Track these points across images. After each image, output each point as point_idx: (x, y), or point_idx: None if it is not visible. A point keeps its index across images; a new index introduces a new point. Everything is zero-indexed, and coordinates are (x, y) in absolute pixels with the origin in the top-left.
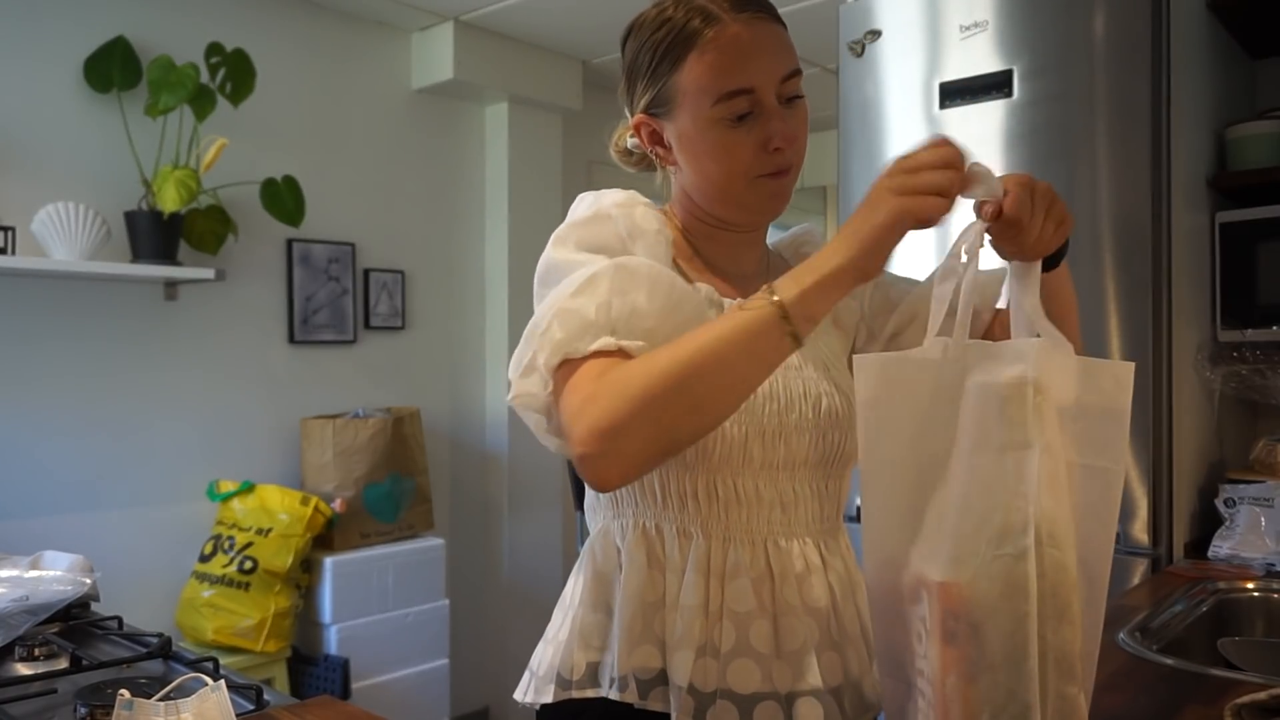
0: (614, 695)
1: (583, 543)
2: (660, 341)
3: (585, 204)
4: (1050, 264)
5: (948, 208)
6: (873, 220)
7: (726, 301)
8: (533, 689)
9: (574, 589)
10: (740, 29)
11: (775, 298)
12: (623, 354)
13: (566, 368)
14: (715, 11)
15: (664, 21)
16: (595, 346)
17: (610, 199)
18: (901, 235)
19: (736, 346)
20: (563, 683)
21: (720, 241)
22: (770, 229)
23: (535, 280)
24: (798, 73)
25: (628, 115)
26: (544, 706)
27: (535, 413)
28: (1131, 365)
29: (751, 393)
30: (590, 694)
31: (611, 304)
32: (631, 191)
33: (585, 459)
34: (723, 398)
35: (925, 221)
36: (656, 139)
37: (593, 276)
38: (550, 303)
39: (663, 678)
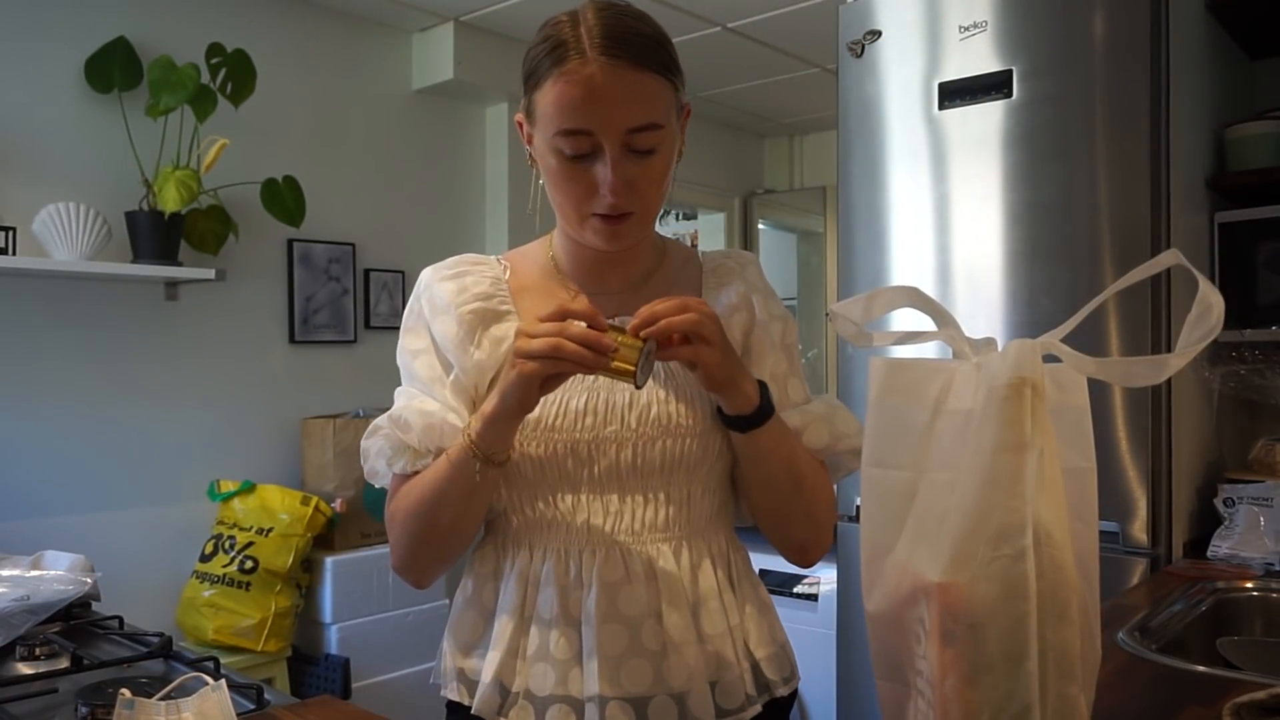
0: (449, 694)
1: None
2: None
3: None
4: (740, 425)
5: (554, 369)
6: (508, 377)
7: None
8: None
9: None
10: (597, 70)
11: (471, 436)
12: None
13: (392, 479)
14: (583, 45)
15: (548, 36)
16: (397, 469)
17: (422, 281)
18: (527, 388)
19: (451, 481)
20: (440, 680)
21: (582, 257)
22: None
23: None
24: (651, 127)
25: None
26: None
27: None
28: None
29: (482, 508)
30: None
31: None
32: (458, 257)
33: (400, 576)
34: (461, 519)
35: (544, 381)
36: (529, 140)
37: (405, 400)
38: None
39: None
